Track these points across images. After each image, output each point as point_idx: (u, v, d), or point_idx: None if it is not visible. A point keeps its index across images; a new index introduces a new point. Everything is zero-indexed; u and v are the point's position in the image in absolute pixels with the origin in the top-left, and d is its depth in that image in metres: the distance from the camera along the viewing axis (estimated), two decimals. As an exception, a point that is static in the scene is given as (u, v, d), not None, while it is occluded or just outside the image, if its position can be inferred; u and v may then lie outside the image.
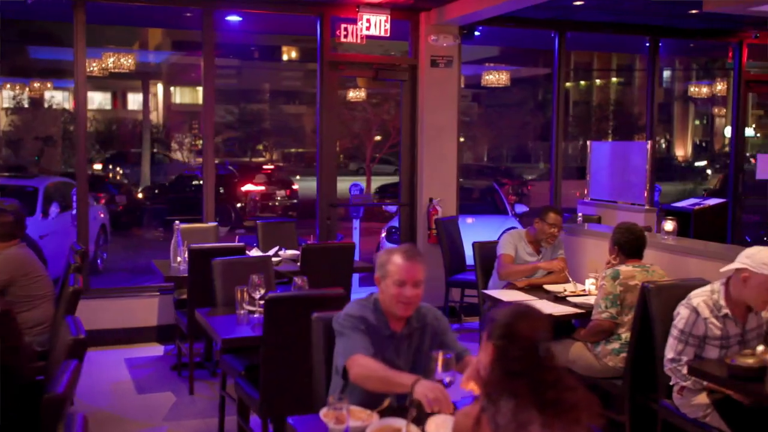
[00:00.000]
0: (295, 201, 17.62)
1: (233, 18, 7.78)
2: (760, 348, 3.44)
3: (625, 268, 4.41)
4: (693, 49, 12.29)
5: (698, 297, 3.69)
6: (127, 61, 9.63)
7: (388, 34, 7.23)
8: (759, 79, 9.30)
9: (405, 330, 3.05)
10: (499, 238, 5.74)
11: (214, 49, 7.06)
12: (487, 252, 5.76)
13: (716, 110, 25.54)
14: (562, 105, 8.33)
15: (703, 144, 33.54)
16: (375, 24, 7.14)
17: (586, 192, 8.43)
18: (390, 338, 3.02)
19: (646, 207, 7.51)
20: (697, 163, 30.27)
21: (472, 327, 7.51)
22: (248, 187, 17.66)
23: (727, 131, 21.93)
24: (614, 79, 27.33)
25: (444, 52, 7.62)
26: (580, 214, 7.30)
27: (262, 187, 17.80)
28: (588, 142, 8.49)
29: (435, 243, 7.59)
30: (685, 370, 3.63)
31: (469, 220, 9.71)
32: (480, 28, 8.19)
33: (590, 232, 5.91)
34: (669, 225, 5.23)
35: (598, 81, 27.85)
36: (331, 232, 7.53)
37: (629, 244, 4.51)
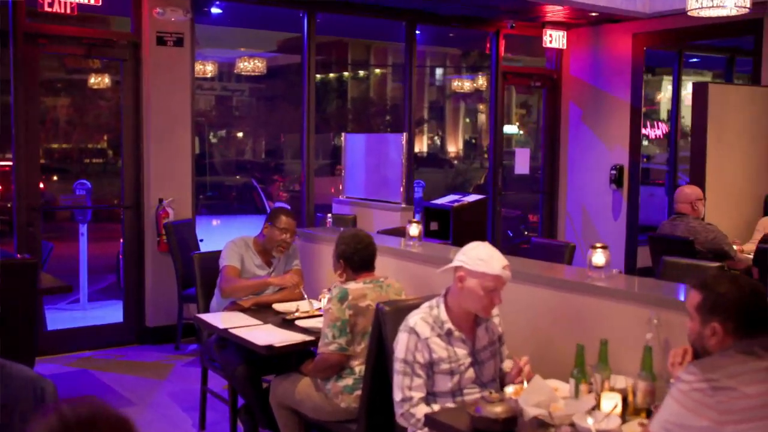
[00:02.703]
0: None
1: None
2: (510, 390, 2.74)
3: (354, 286, 3.59)
4: (453, 39, 12.02)
5: (415, 316, 3.00)
6: None
7: (100, 3, 6.00)
8: (516, 71, 9.03)
9: None
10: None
11: None
12: (210, 264, 4.75)
13: (482, 107, 26.30)
14: (313, 96, 7.50)
15: (473, 141, 34.76)
16: (82, -10, 5.90)
17: (341, 188, 7.70)
18: None
19: (403, 205, 6.90)
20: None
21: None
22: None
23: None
24: (377, 71, 27.41)
25: (172, 28, 6.52)
26: (329, 215, 6.51)
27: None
28: (342, 135, 7.77)
29: (166, 251, 6.49)
30: (419, 415, 2.88)
31: (215, 222, 8.67)
32: (220, 4, 7.19)
33: (330, 238, 5.07)
34: (414, 229, 4.47)
35: (377, 71, 27.79)
36: (35, 241, 6.18)
37: (358, 255, 3.69)
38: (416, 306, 3.14)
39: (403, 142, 6.91)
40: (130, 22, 6.59)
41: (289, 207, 11.89)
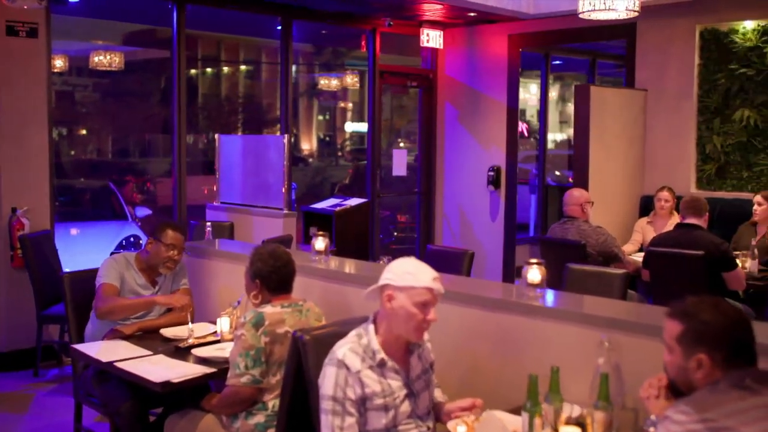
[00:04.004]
0: None
1: None
2: (462, 429, 2.47)
3: (271, 310, 3.22)
4: (325, 37, 11.70)
5: (343, 347, 2.68)
6: None
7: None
8: (393, 70, 8.82)
9: None
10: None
11: None
12: (84, 285, 4.18)
13: (342, 104, 26.14)
14: (184, 92, 6.98)
15: (327, 138, 34.56)
16: None
17: (215, 189, 7.23)
18: None
19: (285, 211, 6.53)
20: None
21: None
22: None
23: (348, 126, 22.51)
24: (243, 68, 26.70)
25: (25, 17, 5.84)
26: (209, 223, 6.03)
27: None
28: (216, 136, 7.29)
29: (22, 267, 5.81)
30: (356, 458, 2.56)
31: (74, 230, 7.93)
32: (77, -9, 6.54)
33: (222, 252, 4.63)
34: (320, 243, 4.10)
35: (225, 69, 26.94)
36: None
37: (276, 275, 3.32)
38: (341, 334, 2.82)
39: (285, 142, 6.54)
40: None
41: (151, 211, 11.21)
